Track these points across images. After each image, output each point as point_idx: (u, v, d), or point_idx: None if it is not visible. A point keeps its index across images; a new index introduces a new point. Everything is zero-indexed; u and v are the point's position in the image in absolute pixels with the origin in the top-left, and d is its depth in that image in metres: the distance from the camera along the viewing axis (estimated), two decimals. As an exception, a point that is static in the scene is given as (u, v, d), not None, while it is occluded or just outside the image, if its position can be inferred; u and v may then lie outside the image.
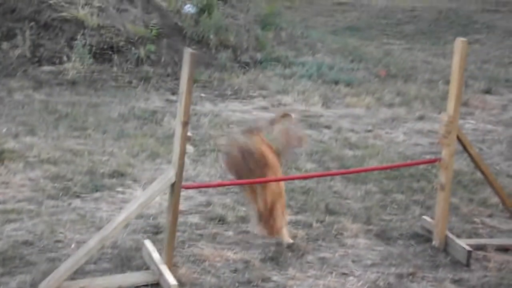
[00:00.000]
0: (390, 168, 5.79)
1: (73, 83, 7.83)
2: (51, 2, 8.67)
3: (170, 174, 3.70)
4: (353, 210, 5.00)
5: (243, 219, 4.70)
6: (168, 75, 8.32)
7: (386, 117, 7.56)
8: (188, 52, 3.58)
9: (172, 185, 3.70)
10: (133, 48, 8.52)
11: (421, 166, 5.80)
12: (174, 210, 3.76)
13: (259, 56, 9.31)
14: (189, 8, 9.42)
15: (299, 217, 4.82)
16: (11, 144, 5.80)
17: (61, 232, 4.32)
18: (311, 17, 13.98)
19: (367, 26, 13.55)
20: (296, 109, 7.54)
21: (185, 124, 3.62)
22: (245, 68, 8.96)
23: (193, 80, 3.61)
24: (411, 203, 5.21)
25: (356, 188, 5.42)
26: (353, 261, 4.28)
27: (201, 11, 9.39)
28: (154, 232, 4.39)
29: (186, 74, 3.57)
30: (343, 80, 8.85)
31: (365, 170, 5.71)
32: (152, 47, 8.59)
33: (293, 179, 5.44)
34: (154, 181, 3.86)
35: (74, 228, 4.39)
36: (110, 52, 8.42)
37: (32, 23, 8.41)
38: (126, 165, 5.51)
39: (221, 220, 4.69)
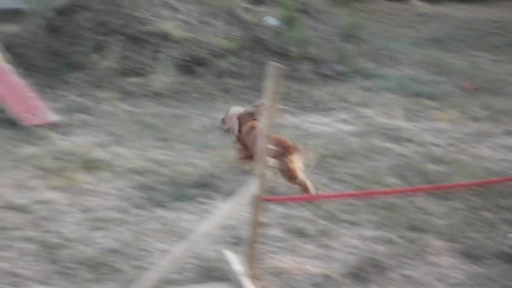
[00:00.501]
0: (479, 184, 5.60)
1: (157, 94, 8.02)
2: (138, 15, 8.97)
3: (252, 186, 3.73)
4: (437, 227, 4.88)
5: (323, 233, 4.68)
6: (248, 87, 8.39)
7: (471, 131, 7.33)
8: (272, 66, 3.60)
9: (254, 198, 3.73)
10: (215, 60, 8.66)
11: (509, 183, 5.59)
12: (255, 222, 3.79)
13: (339, 68, 9.24)
14: (270, 21, 9.50)
15: (381, 232, 4.75)
16: (98, 153, 6.02)
17: (145, 241, 4.44)
18: (393, 29, 13.75)
19: (450, 38, 13.18)
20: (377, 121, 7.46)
21: (268, 137, 3.65)
22: (325, 80, 8.92)
23: (277, 94, 3.63)
24: (498, 221, 5.03)
25: (440, 203, 5.28)
26: (437, 280, 4.17)
27: (282, 23, 9.45)
28: (235, 243, 4.44)
29: (270, 87, 3.60)
30: (426, 93, 8.65)
31: (452, 186, 5.55)
32: (234, 59, 8.71)
33: (375, 194, 5.36)
34: (236, 193, 3.90)
35: (158, 237, 4.51)
36: (193, 64, 8.59)
37: (120, 36, 8.72)
38: (208, 176, 5.60)
39: (301, 233, 4.68)
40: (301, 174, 5.29)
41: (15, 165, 5.60)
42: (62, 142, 6.26)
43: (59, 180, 5.35)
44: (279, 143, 5.21)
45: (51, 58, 8.70)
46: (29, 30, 9.25)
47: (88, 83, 8.15)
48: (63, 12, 9.44)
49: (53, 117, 6.79)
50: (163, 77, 8.25)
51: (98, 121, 7.01)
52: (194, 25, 9.05)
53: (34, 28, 9.22)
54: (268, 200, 3.90)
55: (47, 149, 6.02)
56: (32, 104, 6.92)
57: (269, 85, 3.60)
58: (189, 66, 8.58)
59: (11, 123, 6.55)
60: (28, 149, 6.00)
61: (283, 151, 5.24)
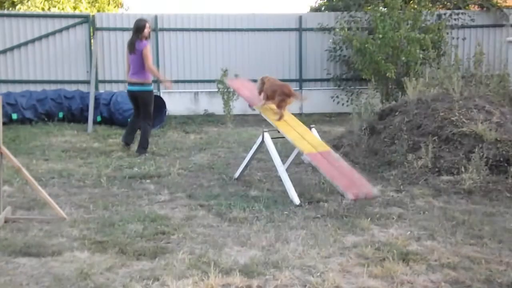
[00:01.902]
0: None
1: (469, 192, 8.33)
2: (453, 118, 9.50)
3: None
4: None
5: None
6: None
7: None
8: None
9: None
10: (529, 161, 8.65)
11: None
12: None
13: None
14: None
15: None
16: (414, 246, 6.48)
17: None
18: None
19: None
20: None
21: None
22: None
23: None
24: None
25: None
26: None
27: None
28: None
29: None
30: None
31: None
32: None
33: None
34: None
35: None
36: (506, 165, 8.72)
37: (435, 137, 9.34)
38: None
39: None
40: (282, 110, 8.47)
41: (341, 252, 6.36)
42: (381, 234, 6.88)
43: (379, 269, 5.85)
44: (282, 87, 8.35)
45: (371, 157, 9.70)
46: (354, 131, 10.46)
47: (403, 180, 8.91)
48: (382, 115, 10.48)
49: (375, 191, 7.78)
50: (475, 176, 8.52)
51: (412, 216, 7.53)
52: (508, 127, 9.21)
53: (358, 129, 10.40)
54: None
55: (368, 240, 6.68)
56: (356, 180, 7.91)
57: None
58: (502, 166, 8.73)
59: (338, 216, 7.48)
60: (352, 238, 6.74)
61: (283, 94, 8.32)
